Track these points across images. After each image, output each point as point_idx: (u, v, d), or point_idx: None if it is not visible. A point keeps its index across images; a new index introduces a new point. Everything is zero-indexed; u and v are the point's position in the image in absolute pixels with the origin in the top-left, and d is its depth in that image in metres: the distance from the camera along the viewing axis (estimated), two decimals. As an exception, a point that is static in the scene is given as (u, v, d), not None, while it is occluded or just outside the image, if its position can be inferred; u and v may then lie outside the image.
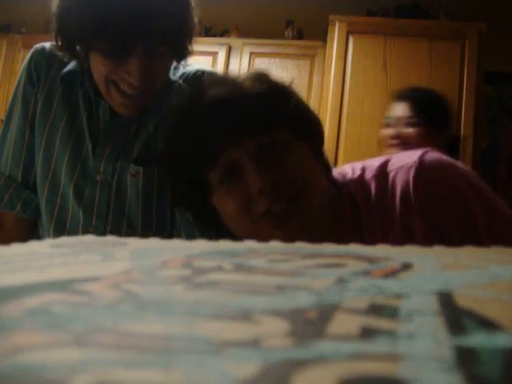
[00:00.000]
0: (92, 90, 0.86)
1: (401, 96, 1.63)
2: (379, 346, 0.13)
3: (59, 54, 0.83)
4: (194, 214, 0.74)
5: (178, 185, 0.71)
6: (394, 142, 1.56)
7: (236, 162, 0.63)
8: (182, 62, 0.92)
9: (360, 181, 0.70)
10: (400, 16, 3.04)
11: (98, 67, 0.79)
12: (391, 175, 0.67)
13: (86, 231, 0.88)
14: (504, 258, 0.30)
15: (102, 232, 0.88)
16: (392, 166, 0.68)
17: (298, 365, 0.11)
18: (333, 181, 0.71)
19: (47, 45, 0.91)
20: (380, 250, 0.32)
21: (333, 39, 2.94)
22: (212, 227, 0.74)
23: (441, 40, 2.83)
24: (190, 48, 0.86)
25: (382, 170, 0.69)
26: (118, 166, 0.88)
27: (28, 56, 0.91)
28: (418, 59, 2.83)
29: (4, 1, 3.77)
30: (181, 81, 0.91)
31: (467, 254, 0.31)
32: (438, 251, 0.32)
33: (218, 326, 0.15)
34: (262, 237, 0.68)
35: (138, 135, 0.89)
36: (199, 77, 0.92)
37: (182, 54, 0.85)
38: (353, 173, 0.72)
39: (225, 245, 0.35)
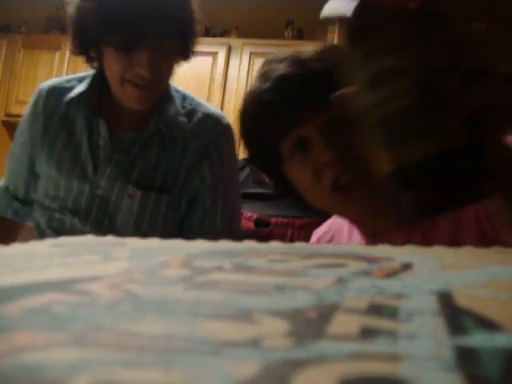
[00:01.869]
0: (91, 111, 0.96)
1: None
2: (379, 345, 0.13)
3: (62, 86, 1.00)
4: (270, 177, 0.78)
5: (255, 149, 0.74)
6: None
7: (305, 137, 0.66)
8: (190, 99, 1.02)
9: None
10: (400, 16, 3.04)
11: (113, 66, 0.89)
12: None
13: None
14: (504, 259, 0.30)
15: None
16: None
17: (298, 365, 0.11)
18: None
19: (46, 84, 1.04)
20: (380, 249, 0.32)
21: (333, 39, 2.94)
22: (287, 194, 0.77)
23: (441, 40, 2.83)
24: (193, 48, 0.95)
25: None
26: (117, 184, 0.95)
27: (34, 96, 1.05)
28: (417, 59, 2.83)
29: (4, 1, 3.77)
30: (186, 118, 0.99)
31: (467, 254, 0.31)
32: (438, 251, 0.32)
33: (218, 326, 0.15)
34: (335, 208, 0.71)
35: (139, 158, 0.96)
36: (204, 121, 1.00)
37: (187, 52, 0.94)
38: None
39: (225, 245, 0.35)
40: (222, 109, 3.13)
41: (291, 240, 1.11)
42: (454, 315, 0.16)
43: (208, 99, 3.14)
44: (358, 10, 0.45)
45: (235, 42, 3.28)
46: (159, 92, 0.94)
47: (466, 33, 0.43)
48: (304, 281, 0.22)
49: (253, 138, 0.73)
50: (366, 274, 0.23)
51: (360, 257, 0.29)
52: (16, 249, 0.33)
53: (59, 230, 0.96)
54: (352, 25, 0.45)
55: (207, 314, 0.16)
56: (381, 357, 0.12)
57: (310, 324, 0.15)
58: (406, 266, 0.25)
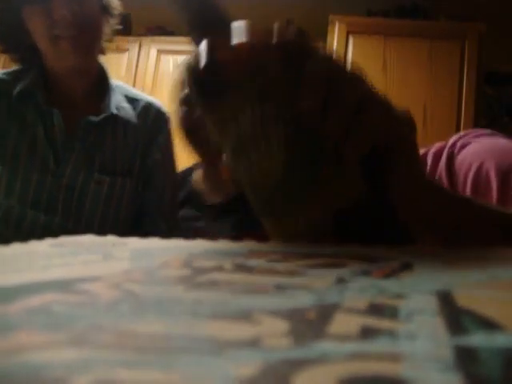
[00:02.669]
0: (43, 102, 0.98)
1: None
2: (379, 345, 0.13)
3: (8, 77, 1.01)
4: None
5: None
6: None
7: None
8: (127, 88, 1.10)
9: None
10: (400, 16, 3.04)
11: (38, 27, 0.92)
12: None
13: (48, 228, 0.96)
14: (504, 258, 0.30)
15: (65, 228, 0.97)
16: None
17: (298, 365, 0.11)
18: None
19: None
20: (380, 250, 0.32)
21: (332, 39, 2.94)
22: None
23: (441, 40, 2.83)
24: (114, 3, 1.02)
25: None
26: (83, 172, 0.98)
27: None
28: (417, 59, 2.83)
29: (4, 1, 3.78)
30: (129, 105, 1.06)
31: (467, 254, 0.31)
32: (438, 251, 0.32)
33: (218, 326, 0.15)
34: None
35: (97, 146, 1.01)
36: (148, 109, 1.08)
37: (106, 5, 1.00)
38: None
39: (225, 245, 0.35)
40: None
41: None
42: (454, 315, 0.16)
43: (208, 99, 3.13)
44: (207, 68, 0.37)
45: (235, 42, 3.28)
46: (90, 40, 0.96)
47: (332, 68, 0.36)
48: (304, 281, 0.22)
49: None
50: (366, 273, 0.23)
51: (360, 257, 0.29)
52: (16, 248, 0.33)
53: (19, 225, 0.96)
54: (203, 85, 0.37)
55: (207, 314, 0.16)
56: (381, 357, 0.12)
57: (310, 324, 0.15)
58: (406, 266, 0.25)
